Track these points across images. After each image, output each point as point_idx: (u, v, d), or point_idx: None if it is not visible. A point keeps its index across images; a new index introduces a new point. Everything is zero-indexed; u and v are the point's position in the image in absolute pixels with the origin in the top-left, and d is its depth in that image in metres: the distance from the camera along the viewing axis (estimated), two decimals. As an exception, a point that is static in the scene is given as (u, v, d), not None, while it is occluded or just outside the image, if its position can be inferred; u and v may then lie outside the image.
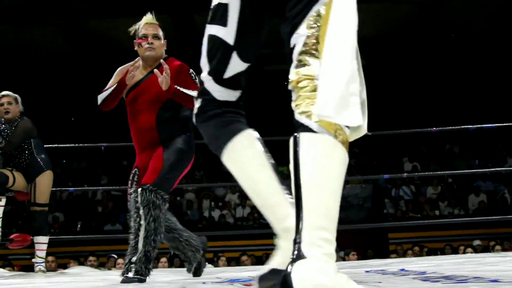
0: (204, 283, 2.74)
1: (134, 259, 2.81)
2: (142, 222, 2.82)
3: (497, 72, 13.13)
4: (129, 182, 3.10)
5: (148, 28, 3.13)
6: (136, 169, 3.12)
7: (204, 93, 1.56)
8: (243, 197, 11.80)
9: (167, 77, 2.89)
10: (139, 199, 2.85)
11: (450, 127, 4.94)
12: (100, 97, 3.15)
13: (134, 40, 3.17)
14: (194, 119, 1.59)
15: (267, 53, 13.19)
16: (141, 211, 2.83)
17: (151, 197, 2.83)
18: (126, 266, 2.84)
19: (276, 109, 13.84)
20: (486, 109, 12.08)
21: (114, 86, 3.08)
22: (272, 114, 13.75)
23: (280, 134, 10.88)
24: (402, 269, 2.90)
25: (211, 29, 1.55)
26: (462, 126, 4.99)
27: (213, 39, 1.55)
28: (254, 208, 11.51)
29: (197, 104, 1.57)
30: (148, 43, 3.08)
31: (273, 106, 13.89)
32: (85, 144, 5.95)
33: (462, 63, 13.06)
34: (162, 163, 2.94)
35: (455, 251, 8.19)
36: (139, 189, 2.88)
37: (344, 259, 7.31)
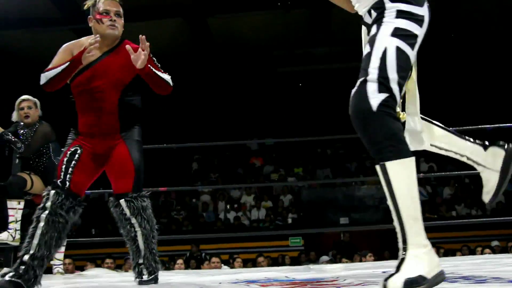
0: (220, 283, 2.75)
1: (141, 260, 2.80)
2: (138, 229, 2.78)
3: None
4: (65, 158, 2.76)
5: (110, 4, 2.81)
6: (78, 148, 2.79)
7: (390, 90, 1.75)
8: (258, 199, 11.81)
9: (146, 55, 2.68)
10: (127, 211, 2.76)
11: (467, 127, 4.87)
12: (45, 76, 2.72)
13: (89, 16, 2.84)
14: (378, 107, 1.71)
15: (281, 54, 13.27)
16: (133, 221, 2.77)
17: (138, 203, 2.77)
18: (136, 269, 2.81)
19: (290, 110, 13.86)
20: (504, 108, 11.95)
21: (66, 64, 2.67)
22: (286, 115, 13.74)
23: (294, 135, 10.84)
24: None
25: (401, 44, 1.82)
26: (480, 126, 4.93)
27: (403, 53, 1.81)
28: (269, 210, 11.52)
29: (381, 96, 1.73)
30: (110, 20, 2.78)
31: (287, 107, 13.89)
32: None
33: (480, 61, 12.95)
34: (132, 165, 2.80)
35: (472, 252, 8.10)
36: (122, 201, 2.77)
37: (361, 260, 7.28)
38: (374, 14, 1.90)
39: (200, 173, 13.11)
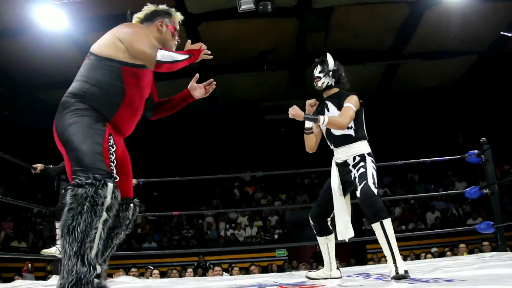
0: (222, 288, 2.72)
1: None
2: (122, 236, 2.20)
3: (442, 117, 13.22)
4: (108, 145, 1.97)
5: (178, 27, 2.33)
6: (111, 137, 2.02)
7: (377, 189, 2.68)
8: (251, 219, 11.72)
9: (208, 93, 2.44)
10: (131, 216, 2.15)
11: (411, 160, 4.94)
12: (170, 56, 2.04)
13: (160, 19, 2.23)
14: (377, 193, 2.61)
15: (268, 105, 13.41)
16: (126, 228, 2.17)
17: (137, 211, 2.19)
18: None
19: (275, 149, 13.91)
20: (438, 146, 12.12)
21: (188, 56, 2.11)
22: (272, 153, 13.80)
23: (279, 169, 10.78)
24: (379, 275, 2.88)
25: (375, 173, 2.73)
26: (421, 160, 4.99)
27: (376, 176, 2.74)
28: (260, 228, 11.43)
29: (376, 189, 2.63)
30: (177, 41, 2.31)
31: (273, 147, 13.95)
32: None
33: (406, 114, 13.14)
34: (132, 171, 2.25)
35: (417, 257, 8.08)
36: (132, 205, 2.15)
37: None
38: (357, 158, 2.73)
39: (205, 199, 13.02)
